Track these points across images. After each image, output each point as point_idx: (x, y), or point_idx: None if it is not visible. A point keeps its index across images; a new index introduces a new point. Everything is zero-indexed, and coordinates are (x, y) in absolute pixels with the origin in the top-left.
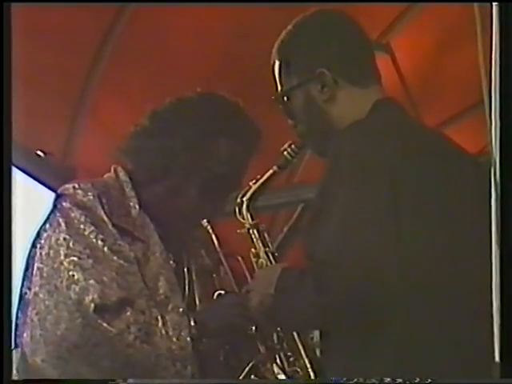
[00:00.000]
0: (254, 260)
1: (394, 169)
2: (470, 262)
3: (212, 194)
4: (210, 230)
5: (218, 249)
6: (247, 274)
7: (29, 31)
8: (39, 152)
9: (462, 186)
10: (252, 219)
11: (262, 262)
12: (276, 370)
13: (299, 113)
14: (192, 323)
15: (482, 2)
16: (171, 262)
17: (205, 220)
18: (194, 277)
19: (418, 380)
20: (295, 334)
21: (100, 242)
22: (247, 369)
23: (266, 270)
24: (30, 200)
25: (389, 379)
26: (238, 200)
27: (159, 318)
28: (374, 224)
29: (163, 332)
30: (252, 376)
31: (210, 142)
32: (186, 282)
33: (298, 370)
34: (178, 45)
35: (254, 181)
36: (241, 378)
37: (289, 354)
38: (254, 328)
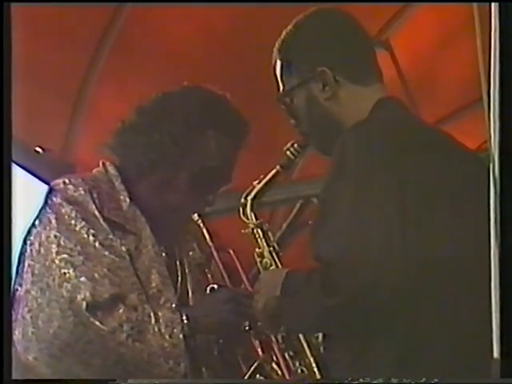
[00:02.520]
0: (258, 260)
1: (397, 167)
2: (472, 259)
3: (202, 188)
4: (201, 225)
5: (210, 243)
6: (239, 268)
7: (28, 29)
8: (38, 148)
9: (467, 181)
10: (256, 219)
11: (266, 262)
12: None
13: (301, 112)
14: (185, 320)
15: (481, 2)
16: (163, 254)
17: (195, 214)
18: (186, 270)
19: (423, 380)
20: (301, 334)
21: (91, 238)
22: (252, 368)
23: (270, 273)
24: (29, 196)
25: (387, 379)
26: (242, 200)
27: (152, 314)
28: (380, 224)
29: (156, 329)
30: (257, 375)
31: (198, 136)
32: (179, 274)
33: (304, 369)
34: (176, 42)
35: (257, 181)
36: (246, 377)
37: (293, 353)
38: (247, 323)
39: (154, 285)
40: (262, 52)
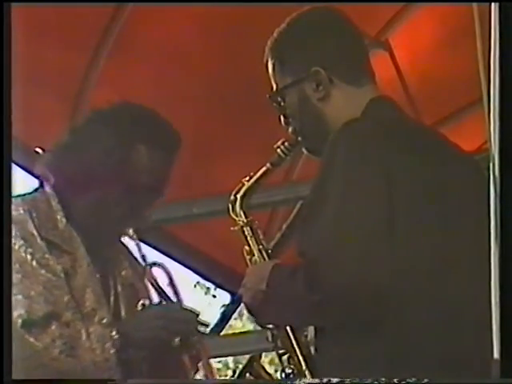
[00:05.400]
0: (247, 258)
1: (388, 167)
2: (467, 259)
3: (136, 203)
4: (137, 240)
5: (145, 258)
6: (174, 283)
7: (28, 29)
8: (38, 149)
9: (458, 184)
10: (246, 217)
11: (255, 260)
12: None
13: (293, 111)
14: (116, 335)
15: (481, 2)
16: (97, 274)
17: (131, 230)
18: (119, 289)
19: (413, 380)
20: (289, 331)
21: (29, 256)
22: (242, 367)
23: (257, 266)
24: None
25: (384, 379)
26: (232, 197)
27: (83, 331)
28: (367, 222)
29: (87, 345)
30: (247, 375)
31: (130, 151)
32: (112, 293)
33: (293, 367)
34: (177, 41)
35: (247, 178)
36: (235, 376)
37: (282, 351)
38: (177, 340)
39: (88, 304)
40: (263, 52)
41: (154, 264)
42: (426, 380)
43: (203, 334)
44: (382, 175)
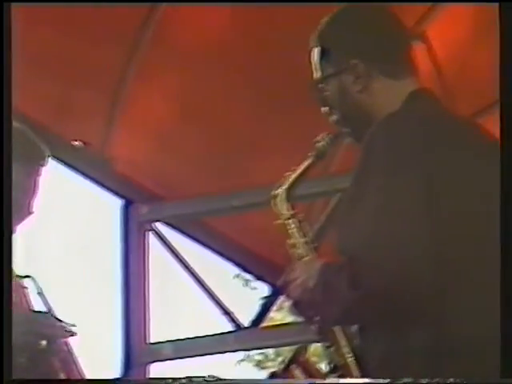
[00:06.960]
0: (291, 251)
1: (427, 160)
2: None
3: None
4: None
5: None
6: (43, 294)
7: (66, 26)
8: (78, 142)
9: (498, 176)
10: (290, 209)
11: (300, 254)
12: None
13: (334, 101)
14: None
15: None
16: None
17: None
18: None
19: (452, 380)
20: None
21: None
22: (287, 359)
23: (305, 263)
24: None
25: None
26: (275, 191)
27: None
28: (408, 217)
29: None
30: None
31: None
32: None
33: (339, 360)
34: (215, 36)
35: (290, 172)
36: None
37: (328, 344)
38: (44, 342)
39: None
40: (298, 44)
41: (25, 276)
42: (436, 379)
43: (71, 334)
44: (421, 168)
